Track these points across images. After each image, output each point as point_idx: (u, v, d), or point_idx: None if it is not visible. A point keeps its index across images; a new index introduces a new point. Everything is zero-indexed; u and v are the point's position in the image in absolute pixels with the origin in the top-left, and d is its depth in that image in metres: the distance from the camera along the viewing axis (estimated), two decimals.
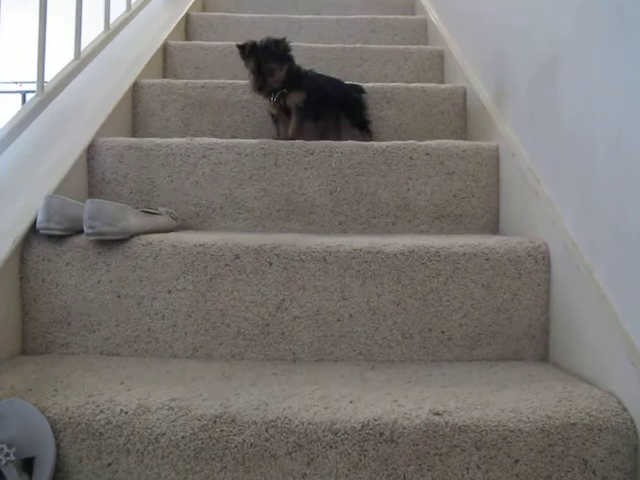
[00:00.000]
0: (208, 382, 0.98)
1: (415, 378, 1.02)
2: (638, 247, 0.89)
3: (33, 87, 1.43)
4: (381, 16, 2.43)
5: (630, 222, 0.91)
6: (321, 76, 1.67)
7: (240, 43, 1.54)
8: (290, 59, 1.54)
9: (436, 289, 1.13)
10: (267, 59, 1.50)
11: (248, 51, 1.51)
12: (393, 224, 1.41)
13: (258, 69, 1.50)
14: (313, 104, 1.56)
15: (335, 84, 1.69)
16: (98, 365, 1.06)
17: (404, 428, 0.85)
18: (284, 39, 1.53)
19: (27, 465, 0.85)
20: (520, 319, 1.14)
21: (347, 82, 1.73)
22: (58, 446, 0.86)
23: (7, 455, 0.83)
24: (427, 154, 1.43)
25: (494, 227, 1.43)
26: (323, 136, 1.62)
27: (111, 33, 1.83)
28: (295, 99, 1.54)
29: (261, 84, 1.51)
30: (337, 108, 1.67)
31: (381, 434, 0.85)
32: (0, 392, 0.91)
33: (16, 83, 4.49)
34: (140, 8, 2.12)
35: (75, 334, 1.14)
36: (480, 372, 1.06)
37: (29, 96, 4.10)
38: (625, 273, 0.93)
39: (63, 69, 1.55)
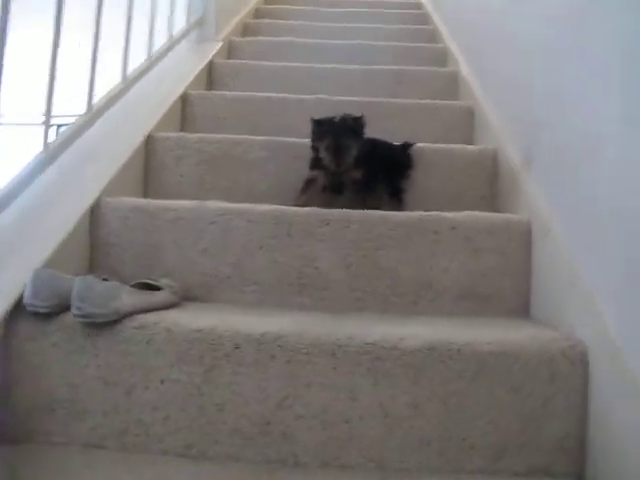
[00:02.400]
0: None
1: None
2: None
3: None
4: (409, 67, 2.34)
5: None
6: (372, 141, 1.56)
7: (317, 118, 1.48)
8: (362, 136, 1.48)
9: (458, 392, 1.01)
10: (345, 137, 1.45)
11: (326, 127, 1.46)
12: (415, 304, 1.29)
13: (335, 147, 1.44)
14: (368, 179, 1.49)
15: (384, 147, 1.61)
16: (78, 464, 0.96)
17: None
18: (362, 116, 1.48)
19: None
20: (552, 429, 1.01)
21: (396, 143, 1.65)
22: None
23: None
24: (453, 228, 1.32)
25: (524, 311, 1.30)
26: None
27: (129, 83, 1.78)
28: (355, 174, 1.47)
29: (338, 162, 1.44)
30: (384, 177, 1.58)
31: None
32: None
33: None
34: (163, 55, 2.08)
35: (59, 422, 1.04)
36: None
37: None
38: None
39: (73, 123, 1.50)
